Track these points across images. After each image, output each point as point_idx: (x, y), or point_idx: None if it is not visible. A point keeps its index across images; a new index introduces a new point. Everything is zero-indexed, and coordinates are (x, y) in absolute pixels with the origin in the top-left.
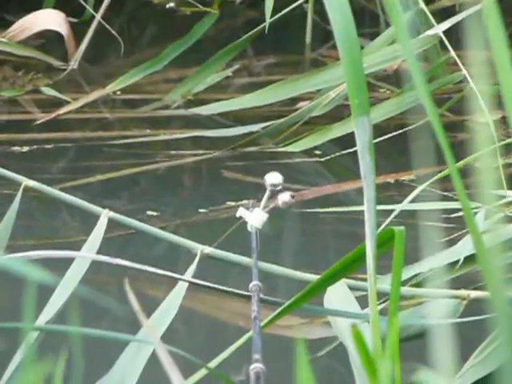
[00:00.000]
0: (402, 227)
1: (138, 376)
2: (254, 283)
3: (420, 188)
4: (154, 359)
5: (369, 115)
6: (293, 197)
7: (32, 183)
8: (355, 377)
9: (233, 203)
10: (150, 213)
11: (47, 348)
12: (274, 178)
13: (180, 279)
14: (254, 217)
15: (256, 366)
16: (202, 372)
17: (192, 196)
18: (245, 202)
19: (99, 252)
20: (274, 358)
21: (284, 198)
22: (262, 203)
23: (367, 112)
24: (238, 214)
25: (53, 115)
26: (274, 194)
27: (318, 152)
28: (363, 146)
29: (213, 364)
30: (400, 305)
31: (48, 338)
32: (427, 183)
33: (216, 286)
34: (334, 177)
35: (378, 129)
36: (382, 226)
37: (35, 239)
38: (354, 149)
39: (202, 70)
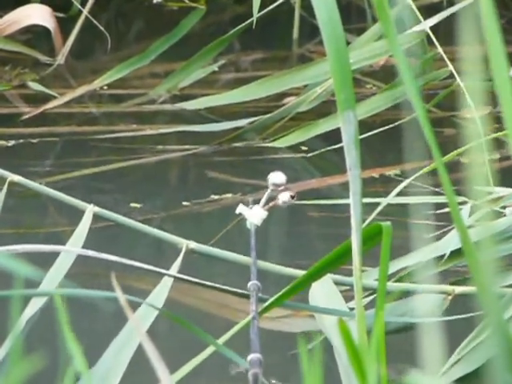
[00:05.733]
0: (389, 222)
1: (123, 370)
2: (253, 282)
3: (406, 182)
4: (140, 354)
5: (354, 109)
6: (293, 197)
7: (17, 178)
8: (340, 371)
9: (216, 197)
10: (133, 205)
11: (35, 341)
12: (277, 177)
13: (167, 274)
14: (254, 214)
15: (254, 359)
16: (188, 367)
17: (177, 190)
18: (229, 195)
19: (87, 243)
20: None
21: (284, 197)
22: (262, 201)
23: (353, 106)
24: (237, 211)
25: (39, 110)
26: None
27: (303, 147)
28: (349, 140)
29: (199, 358)
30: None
31: (34, 332)
32: (413, 177)
33: (213, 284)
34: (320, 172)
35: (365, 124)
36: (368, 220)
37: (18, 229)
38: (339, 145)
39: (188, 65)
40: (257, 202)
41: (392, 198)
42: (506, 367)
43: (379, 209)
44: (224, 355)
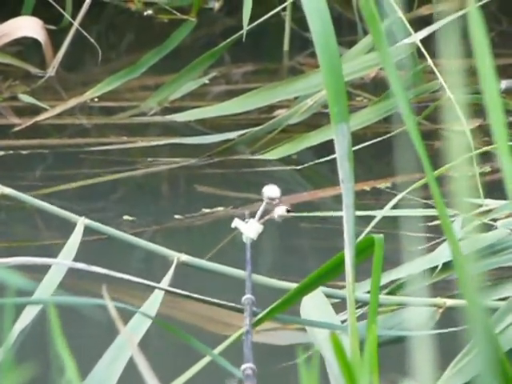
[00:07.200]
0: (381, 235)
1: (115, 382)
2: (247, 296)
3: (400, 195)
4: (131, 367)
5: (348, 122)
6: (288, 211)
7: (8, 191)
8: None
9: (208, 210)
10: (126, 217)
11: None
12: (271, 191)
13: (157, 288)
14: (250, 228)
15: (248, 371)
16: (181, 379)
17: (168, 203)
18: (220, 208)
19: (79, 255)
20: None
21: (280, 211)
22: (258, 215)
23: (346, 119)
24: (233, 225)
25: (30, 122)
26: (269, 206)
27: (294, 160)
28: (342, 153)
29: (192, 370)
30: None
31: (28, 342)
32: (406, 191)
33: (205, 297)
34: (311, 184)
35: (355, 137)
36: (363, 234)
37: (9, 242)
38: (330, 157)
39: (179, 78)
40: (252, 215)
41: (385, 211)
42: (494, 381)
43: (374, 222)
44: (216, 369)
